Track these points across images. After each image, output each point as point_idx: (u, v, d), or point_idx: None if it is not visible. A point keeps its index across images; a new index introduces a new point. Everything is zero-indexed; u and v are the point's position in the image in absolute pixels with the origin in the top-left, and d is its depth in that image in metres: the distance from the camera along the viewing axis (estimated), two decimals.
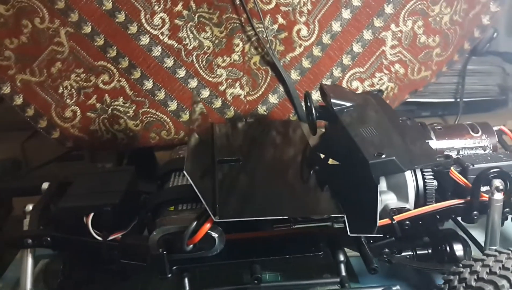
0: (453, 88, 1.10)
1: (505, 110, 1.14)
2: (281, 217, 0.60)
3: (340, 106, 0.68)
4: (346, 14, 0.92)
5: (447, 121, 1.08)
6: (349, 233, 0.56)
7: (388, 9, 0.93)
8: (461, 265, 0.56)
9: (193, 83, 0.92)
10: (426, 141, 0.64)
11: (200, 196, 0.54)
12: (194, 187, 0.53)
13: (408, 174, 0.64)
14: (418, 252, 0.68)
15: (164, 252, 0.57)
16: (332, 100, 0.68)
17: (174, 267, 0.59)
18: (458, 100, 1.08)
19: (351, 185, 0.61)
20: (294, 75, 0.94)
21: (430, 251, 0.68)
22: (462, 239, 0.68)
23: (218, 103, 0.94)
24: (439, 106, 1.12)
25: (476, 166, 0.64)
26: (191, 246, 0.57)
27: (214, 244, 0.58)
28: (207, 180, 0.61)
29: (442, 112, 1.12)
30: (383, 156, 0.55)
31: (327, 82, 0.95)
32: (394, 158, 0.55)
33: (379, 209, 0.59)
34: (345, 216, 0.57)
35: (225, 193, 0.59)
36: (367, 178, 0.56)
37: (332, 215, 0.59)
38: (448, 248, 0.67)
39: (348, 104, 0.68)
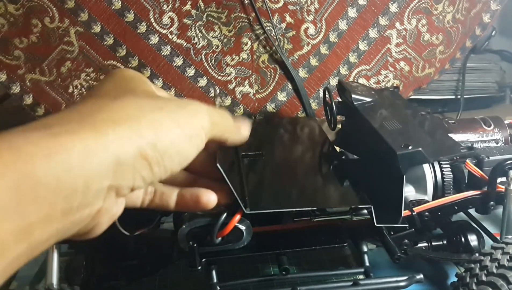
0: (453, 85, 1.12)
1: (503, 106, 1.17)
2: (308, 209, 0.62)
3: (361, 101, 0.69)
4: (352, 12, 0.94)
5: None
6: (375, 224, 0.58)
7: (393, 8, 0.94)
8: (482, 253, 0.58)
9: (203, 81, 0.93)
10: (448, 134, 0.65)
11: (232, 189, 0.54)
12: (227, 180, 0.54)
13: (427, 167, 0.66)
14: (433, 243, 0.69)
15: (195, 245, 0.58)
16: (353, 96, 0.69)
17: (203, 260, 0.60)
18: (458, 97, 1.11)
19: (375, 177, 0.62)
20: (302, 73, 0.95)
21: (445, 242, 0.70)
22: (476, 230, 0.69)
23: (227, 101, 0.95)
24: (439, 103, 1.14)
25: (491, 158, 0.66)
26: (220, 238, 0.58)
27: (242, 236, 0.59)
28: (234, 174, 0.62)
29: (442, 109, 1.14)
30: (410, 147, 0.56)
31: (334, 80, 0.96)
32: (420, 149, 0.56)
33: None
34: (372, 207, 0.58)
35: (252, 186, 0.60)
36: (394, 169, 0.57)
37: (360, 206, 0.60)
38: (462, 239, 0.68)
39: (368, 99, 0.70)
